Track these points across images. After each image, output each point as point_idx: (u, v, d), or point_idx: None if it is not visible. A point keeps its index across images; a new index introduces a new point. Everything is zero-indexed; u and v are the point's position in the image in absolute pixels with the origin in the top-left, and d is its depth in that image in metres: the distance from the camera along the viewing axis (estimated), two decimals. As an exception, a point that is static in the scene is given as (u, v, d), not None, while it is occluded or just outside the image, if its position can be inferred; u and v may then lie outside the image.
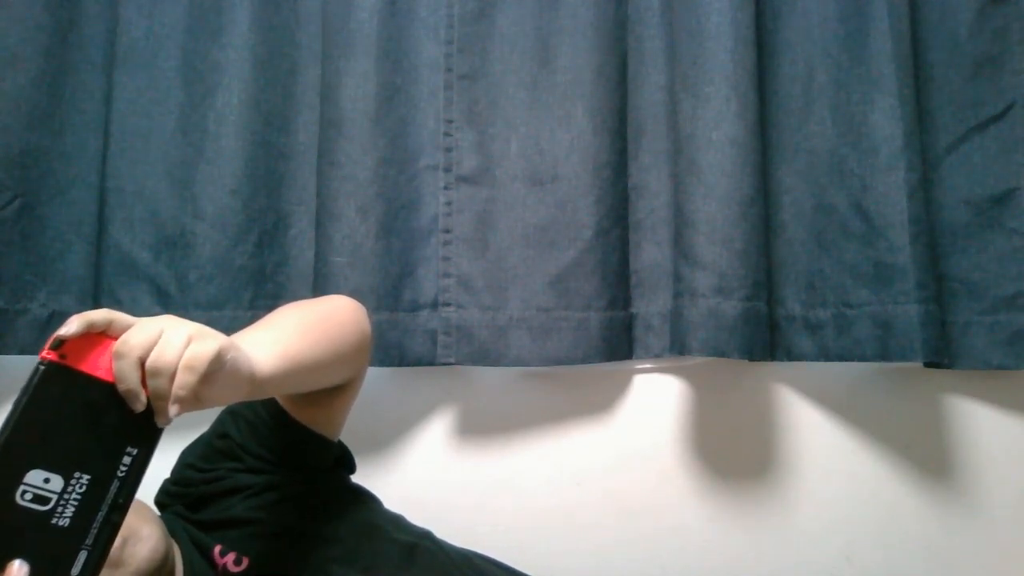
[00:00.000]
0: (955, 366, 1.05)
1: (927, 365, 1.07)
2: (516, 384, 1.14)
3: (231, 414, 0.83)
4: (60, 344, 0.51)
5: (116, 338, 0.53)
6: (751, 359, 1.03)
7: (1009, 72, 1.06)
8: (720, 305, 1.00)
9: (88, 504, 0.52)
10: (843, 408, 1.11)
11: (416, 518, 0.88)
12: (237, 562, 0.75)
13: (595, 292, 1.06)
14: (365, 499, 0.88)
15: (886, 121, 1.03)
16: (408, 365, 1.06)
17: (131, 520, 0.55)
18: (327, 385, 0.78)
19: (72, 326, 0.51)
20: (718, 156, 1.02)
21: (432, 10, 1.11)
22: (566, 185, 1.07)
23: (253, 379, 0.60)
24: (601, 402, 1.13)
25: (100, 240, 1.07)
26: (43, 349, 0.51)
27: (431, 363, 1.07)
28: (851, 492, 1.10)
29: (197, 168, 1.08)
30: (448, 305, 1.07)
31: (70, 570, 0.51)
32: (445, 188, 1.09)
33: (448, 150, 1.10)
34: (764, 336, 1.03)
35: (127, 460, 0.54)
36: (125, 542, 0.65)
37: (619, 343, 1.08)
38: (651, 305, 1.11)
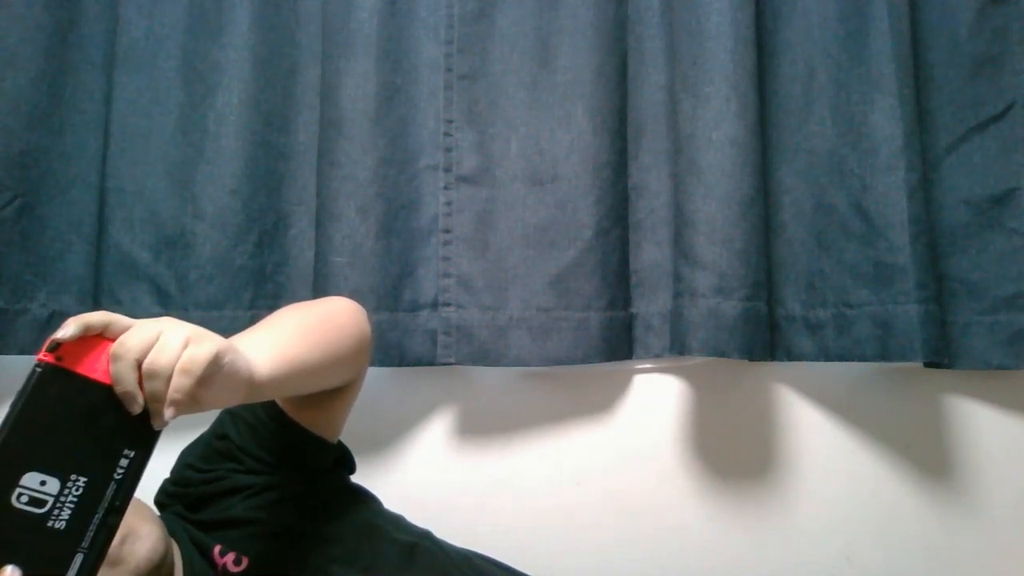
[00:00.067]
0: (955, 366, 1.05)
1: (927, 365, 1.07)
2: (516, 384, 1.14)
3: (230, 415, 0.83)
4: (57, 347, 0.51)
5: (113, 340, 0.53)
6: (751, 359, 1.03)
7: (1009, 72, 1.06)
8: (720, 305, 1.00)
9: (84, 507, 0.51)
10: (843, 408, 1.11)
11: (416, 518, 0.88)
12: (237, 562, 0.75)
13: (595, 292, 1.06)
14: (365, 499, 0.88)
15: (886, 121, 1.03)
16: (408, 365, 1.06)
17: (130, 519, 0.55)
18: (326, 387, 0.78)
19: (69, 329, 0.51)
20: (718, 156, 1.02)
21: (432, 10, 1.11)
22: (566, 185, 1.07)
23: (251, 382, 0.60)
24: (601, 402, 1.13)
25: (100, 240, 1.07)
26: (40, 351, 0.51)
27: (431, 363, 1.07)
28: (851, 492, 1.10)
29: (197, 168, 1.08)
30: (448, 305, 1.07)
31: (66, 573, 0.51)
32: (445, 188, 1.09)
33: (448, 150, 1.10)
34: (764, 336, 1.03)
35: (124, 462, 0.53)
36: (124, 540, 0.65)
37: (619, 343, 1.08)
38: (651, 305, 1.11)
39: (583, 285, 1.05)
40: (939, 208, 1.07)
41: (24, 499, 0.49)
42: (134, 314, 0.56)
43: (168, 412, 0.53)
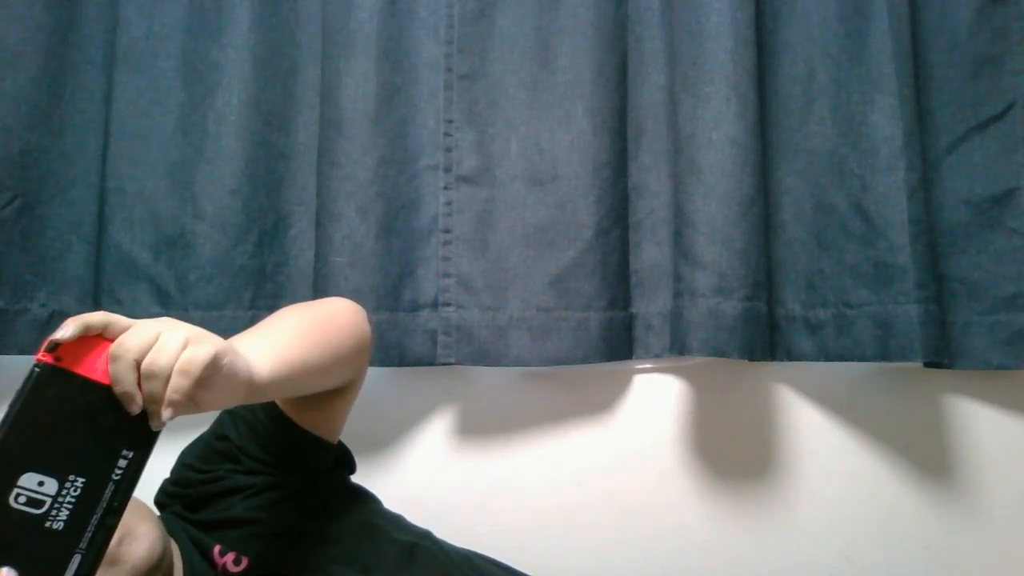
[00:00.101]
0: (955, 366, 1.05)
1: (927, 365, 1.07)
2: (516, 384, 1.14)
3: (230, 415, 0.83)
4: (55, 347, 0.51)
5: (113, 340, 0.53)
6: (751, 359, 1.03)
7: (1009, 72, 1.06)
8: (720, 305, 1.00)
9: (83, 507, 0.51)
10: (843, 408, 1.11)
11: (416, 518, 0.88)
12: (237, 562, 0.75)
13: (595, 292, 1.06)
14: (365, 499, 0.88)
15: (886, 121, 1.03)
16: (408, 365, 1.06)
17: (128, 519, 0.55)
18: (326, 388, 0.78)
19: (68, 329, 0.51)
20: (718, 156, 1.02)
21: (432, 10, 1.11)
22: (566, 185, 1.07)
23: (251, 383, 0.60)
24: (601, 402, 1.13)
25: (100, 240, 1.07)
26: (39, 351, 0.51)
27: (431, 363, 1.07)
28: (851, 492, 1.10)
29: (197, 168, 1.08)
30: (448, 305, 1.07)
31: (63, 574, 0.51)
32: (445, 188, 1.09)
33: (448, 150, 1.10)
34: (764, 336, 1.03)
35: (122, 463, 0.53)
36: (121, 540, 0.65)
37: (619, 343, 1.08)
38: (651, 305, 1.11)
39: (583, 285, 1.05)
40: (939, 208, 1.07)
41: (22, 500, 0.49)
42: (134, 314, 0.56)
43: (166, 413, 0.53)
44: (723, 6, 1.04)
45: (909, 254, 1.00)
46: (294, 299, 1.10)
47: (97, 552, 0.52)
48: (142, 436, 0.54)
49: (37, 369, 0.50)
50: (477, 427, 1.13)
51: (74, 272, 1.09)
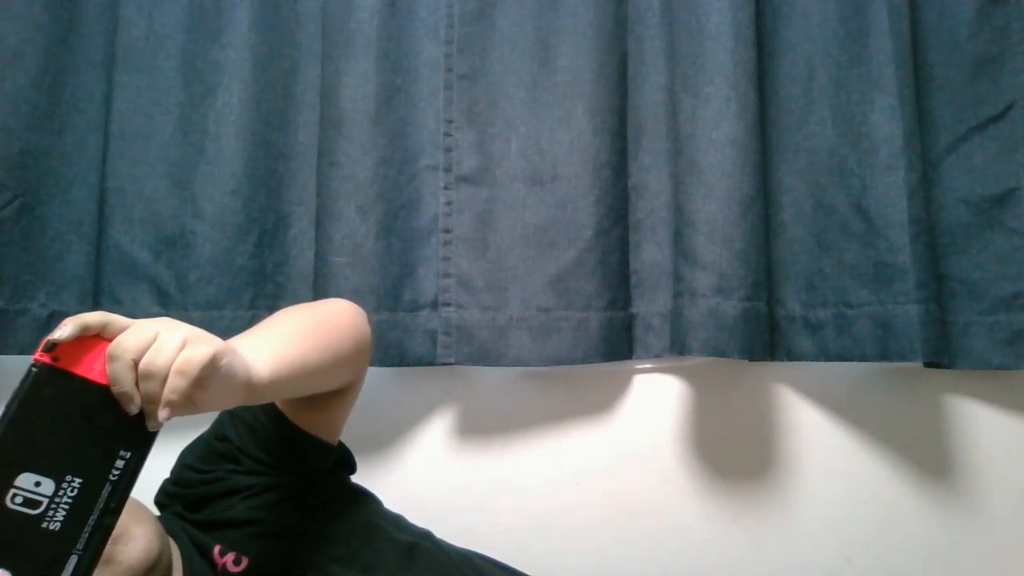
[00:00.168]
0: (955, 366, 1.05)
1: (927, 365, 1.07)
2: (516, 384, 1.14)
3: (230, 416, 0.83)
4: (53, 347, 0.50)
5: (111, 340, 0.53)
6: (751, 359, 1.03)
7: (1009, 72, 1.06)
8: (720, 305, 1.00)
9: (79, 508, 0.51)
10: (843, 408, 1.11)
11: (416, 518, 0.88)
12: (237, 562, 0.75)
13: (595, 292, 1.06)
14: (365, 499, 0.88)
15: (886, 121, 1.03)
16: (408, 365, 1.06)
17: (124, 519, 0.55)
18: (325, 389, 0.78)
19: (66, 329, 0.51)
20: (718, 156, 1.02)
21: (432, 10, 1.11)
22: (566, 185, 1.07)
23: (249, 384, 0.59)
24: (601, 402, 1.13)
25: (100, 240, 1.07)
26: (36, 351, 0.51)
27: (431, 363, 1.07)
28: (851, 492, 1.10)
29: (197, 168, 1.08)
30: (448, 305, 1.07)
31: (60, 575, 0.50)
32: (445, 188, 1.09)
33: (448, 150, 1.10)
34: (764, 336, 1.03)
35: (120, 464, 0.53)
36: (116, 541, 0.64)
37: (619, 343, 1.08)
38: (651, 305, 1.11)
39: (583, 285, 1.05)
40: (939, 208, 1.07)
41: (18, 500, 0.49)
42: (134, 314, 0.56)
43: (163, 413, 0.52)
44: (723, 6, 1.04)
45: (909, 254, 1.00)
46: (294, 299, 1.10)
47: (94, 553, 0.52)
48: (140, 436, 0.54)
49: (34, 369, 0.50)
50: (477, 427, 1.13)
51: (74, 272, 1.09)
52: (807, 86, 1.09)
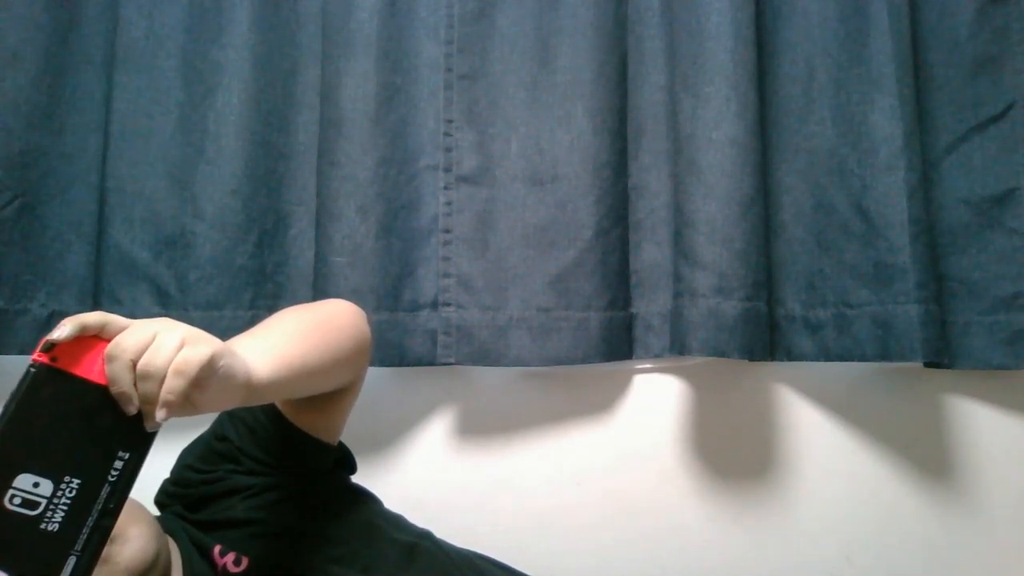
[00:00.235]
0: (955, 366, 1.05)
1: (927, 365, 1.07)
2: (516, 384, 1.14)
3: (230, 417, 0.83)
4: (51, 347, 0.50)
5: (110, 341, 0.53)
6: (751, 359, 1.03)
7: (1009, 72, 1.06)
8: (720, 305, 1.00)
9: (78, 509, 0.51)
10: (843, 408, 1.11)
11: (416, 518, 0.88)
12: (237, 562, 0.75)
13: (595, 292, 1.06)
14: (365, 499, 0.88)
15: (886, 121, 1.03)
16: (408, 365, 1.06)
17: (121, 520, 0.55)
18: (325, 390, 0.78)
19: (65, 329, 0.51)
20: (718, 156, 1.02)
21: (432, 10, 1.11)
22: (566, 185, 1.07)
23: (248, 385, 0.59)
24: (601, 402, 1.13)
25: (100, 240, 1.07)
26: (34, 351, 0.50)
27: (431, 363, 1.07)
28: (851, 492, 1.10)
29: (197, 168, 1.08)
30: (448, 305, 1.07)
31: None
32: (445, 188, 1.09)
33: (448, 150, 1.10)
34: (764, 336, 1.03)
35: (119, 464, 0.53)
36: (112, 541, 0.64)
37: (619, 343, 1.08)
38: (651, 305, 1.11)
39: (583, 285, 1.05)
40: (939, 208, 1.07)
41: (17, 501, 0.49)
42: (134, 314, 0.55)
43: (160, 414, 0.52)
44: (723, 6, 1.04)
45: (909, 254, 1.00)
46: (294, 299, 1.10)
47: (92, 554, 0.52)
48: (139, 437, 0.54)
49: (33, 369, 0.50)
50: (477, 427, 1.13)
51: (74, 272, 1.09)
52: (807, 86, 1.09)
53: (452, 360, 1.06)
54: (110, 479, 0.53)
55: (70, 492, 0.51)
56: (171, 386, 0.52)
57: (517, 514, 1.11)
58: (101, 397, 0.52)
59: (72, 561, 0.51)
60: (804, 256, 1.08)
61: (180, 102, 1.09)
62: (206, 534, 0.77)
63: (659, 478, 1.11)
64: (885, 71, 1.03)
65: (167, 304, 1.06)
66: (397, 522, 0.86)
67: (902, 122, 1.02)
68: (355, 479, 0.90)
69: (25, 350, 1.04)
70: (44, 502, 0.50)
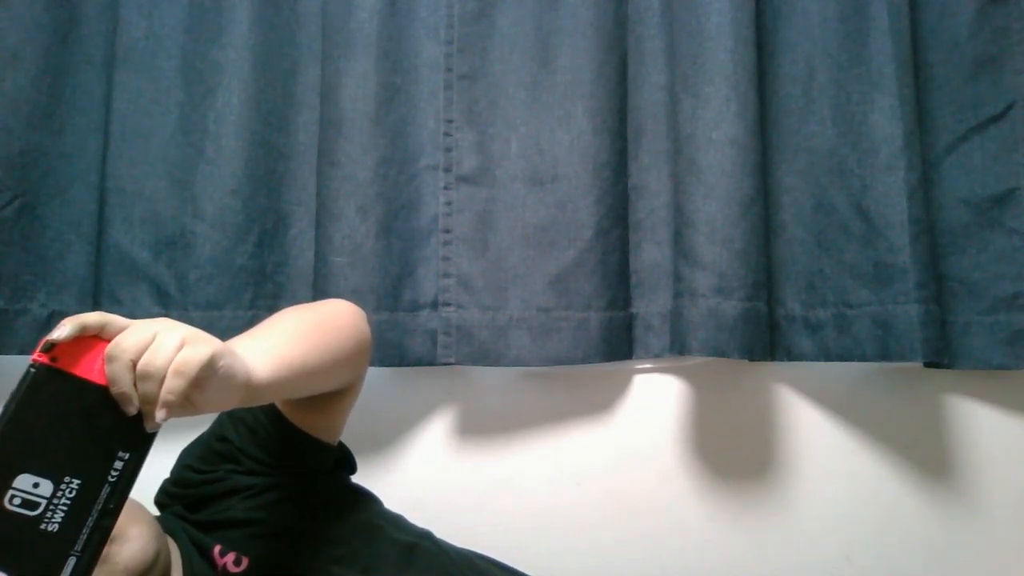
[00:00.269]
0: (955, 366, 1.05)
1: (927, 365, 1.07)
2: (516, 384, 1.14)
3: (230, 417, 0.83)
4: (51, 347, 0.50)
5: (110, 341, 0.52)
6: (751, 359, 1.03)
7: (1009, 72, 1.06)
8: (720, 305, 1.00)
9: (78, 509, 0.51)
10: (843, 408, 1.11)
11: (416, 518, 0.88)
12: (237, 562, 0.75)
13: (595, 292, 1.06)
14: (365, 499, 0.88)
15: (886, 121, 1.03)
16: (408, 365, 1.06)
17: (120, 520, 0.55)
18: (325, 390, 0.78)
19: (64, 329, 0.50)
20: (718, 156, 1.02)
21: (432, 10, 1.11)
22: (566, 185, 1.07)
23: (248, 385, 0.59)
24: (601, 402, 1.13)
25: (100, 240, 1.07)
26: (34, 351, 0.50)
27: (431, 363, 1.07)
28: (851, 492, 1.10)
29: (197, 168, 1.08)
30: (448, 305, 1.07)
31: None
32: (445, 188, 1.09)
33: (448, 150, 1.10)
34: (764, 336, 1.03)
35: (119, 465, 0.53)
36: (112, 541, 0.64)
37: (619, 343, 1.08)
38: (651, 305, 1.11)
39: (583, 285, 1.05)
40: (939, 208, 1.07)
41: (16, 501, 0.49)
42: (134, 314, 0.55)
43: (160, 414, 0.52)
44: (723, 6, 1.04)
45: (909, 254, 1.00)
46: (294, 299, 1.10)
47: (92, 554, 0.52)
48: (139, 437, 0.54)
49: (33, 369, 0.50)
50: (477, 427, 1.13)
51: (74, 272, 1.09)
52: (807, 86, 1.09)
53: (452, 360, 1.06)
54: (110, 479, 0.52)
55: (70, 492, 0.51)
56: (171, 386, 0.52)
57: (517, 514, 1.11)
58: (101, 397, 0.52)
59: (72, 561, 0.51)
60: (804, 256, 1.08)
61: (180, 102, 1.09)
62: (206, 534, 0.77)
63: (659, 478, 1.11)
64: (885, 71, 1.03)
65: (167, 304, 1.06)
66: (397, 522, 0.86)
67: (902, 122, 1.02)
68: (355, 479, 0.90)
69: (25, 350, 1.04)
70: (44, 502, 0.50)
